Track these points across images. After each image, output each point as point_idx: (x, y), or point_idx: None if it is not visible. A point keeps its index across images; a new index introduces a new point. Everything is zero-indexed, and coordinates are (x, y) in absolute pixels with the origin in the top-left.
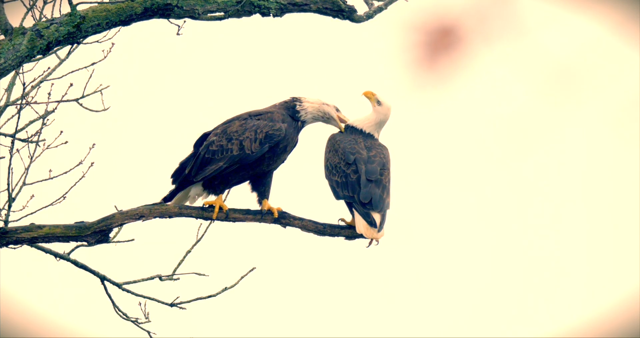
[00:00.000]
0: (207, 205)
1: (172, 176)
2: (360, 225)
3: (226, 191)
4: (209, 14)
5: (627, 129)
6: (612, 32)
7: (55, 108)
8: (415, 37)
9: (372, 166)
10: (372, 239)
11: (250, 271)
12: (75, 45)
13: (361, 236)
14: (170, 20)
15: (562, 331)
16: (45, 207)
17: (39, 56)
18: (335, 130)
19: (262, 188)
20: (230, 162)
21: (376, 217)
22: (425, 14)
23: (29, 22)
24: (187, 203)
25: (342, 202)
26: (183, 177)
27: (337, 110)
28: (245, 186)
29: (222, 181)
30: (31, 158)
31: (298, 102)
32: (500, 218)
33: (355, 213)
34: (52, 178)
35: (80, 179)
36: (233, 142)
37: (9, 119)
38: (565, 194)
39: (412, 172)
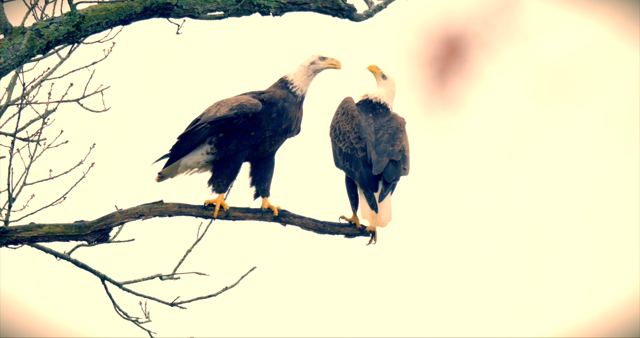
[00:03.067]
0: (207, 204)
1: (171, 150)
2: (365, 212)
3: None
4: (208, 13)
5: (631, 134)
6: (614, 36)
7: (56, 108)
8: (421, 49)
9: (379, 148)
10: (372, 236)
11: (250, 270)
12: (75, 44)
13: (361, 234)
14: (170, 19)
15: (562, 331)
16: (45, 207)
17: (38, 56)
18: (349, 92)
19: (263, 184)
20: (211, 124)
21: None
22: (429, 24)
23: (29, 22)
24: (180, 175)
25: (342, 200)
26: (175, 147)
27: (321, 58)
28: (245, 184)
29: (224, 174)
30: (31, 158)
31: (289, 84)
32: (501, 220)
33: (360, 199)
34: (52, 178)
35: (80, 179)
36: (217, 107)
37: (9, 119)
38: (567, 198)
39: (416, 174)
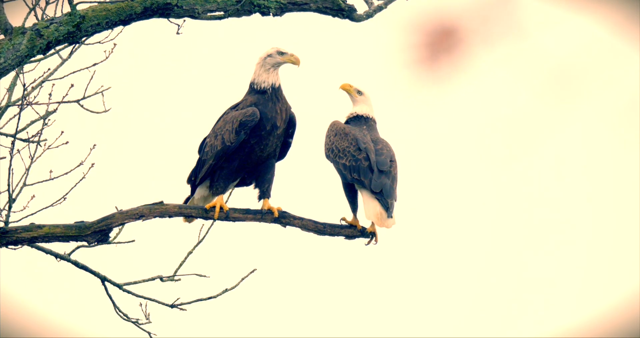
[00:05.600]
0: (208, 208)
1: (187, 182)
2: (371, 213)
3: (227, 191)
4: (208, 14)
5: (627, 130)
6: (612, 33)
7: (56, 108)
8: (416, 38)
9: (381, 158)
10: (372, 237)
11: (250, 272)
12: (76, 45)
13: (361, 236)
14: (170, 19)
15: (562, 331)
16: (45, 207)
17: (39, 56)
18: (336, 115)
19: (264, 185)
20: (217, 158)
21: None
22: (426, 15)
23: (30, 22)
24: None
25: (342, 201)
26: (192, 183)
27: (280, 53)
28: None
29: (220, 177)
30: (32, 158)
31: (254, 84)
32: (499, 219)
33: (364, 201)
34: (52, 178)
35: (80, 180)
36: (217, 137)
37: (10, 119)
38: (564, 195)
39: (411, 170)
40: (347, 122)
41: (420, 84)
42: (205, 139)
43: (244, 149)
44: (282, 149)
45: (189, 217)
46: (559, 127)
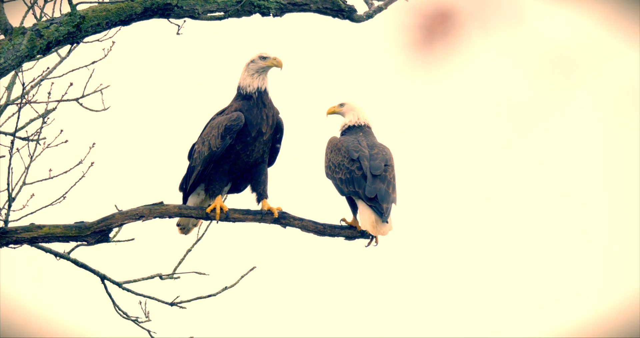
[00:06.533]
0: (209, 211)
1: (180, 190)
2: (366, 222)
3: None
4: (208, 14)
5: (623, 117)
6: (607, 20)
7: (55, 107)
8: (412, 20)
9: (375, 162)
10: (372, 239)
11: (250, 270)
12: (75, 44)
13: (361, 236)
14: (170, 20)
15: (562, 331)
16: (45, 206)
17: (38, 56)
18: (334, 132)
19: (259, 188)
20: (204, 164)
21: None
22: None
23: (29, 22)
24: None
25: (342, 202)
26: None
27: (262, 58)
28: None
29: (214, 180)
30: (31, 157)
31: (240, 89)
32: (495, 209)
33: (360, 210)
34: (52, 177)
35: (80, 179)
36: (205, 143)
37: (9, 118)
38: (561, 182)
39: (406, 157)
40: (343, 134)
41: (415, 68)
42: (194, 145)
43: (230, 155)
44: (271, 155)
45: (188, 218)
46: (555, 112)
